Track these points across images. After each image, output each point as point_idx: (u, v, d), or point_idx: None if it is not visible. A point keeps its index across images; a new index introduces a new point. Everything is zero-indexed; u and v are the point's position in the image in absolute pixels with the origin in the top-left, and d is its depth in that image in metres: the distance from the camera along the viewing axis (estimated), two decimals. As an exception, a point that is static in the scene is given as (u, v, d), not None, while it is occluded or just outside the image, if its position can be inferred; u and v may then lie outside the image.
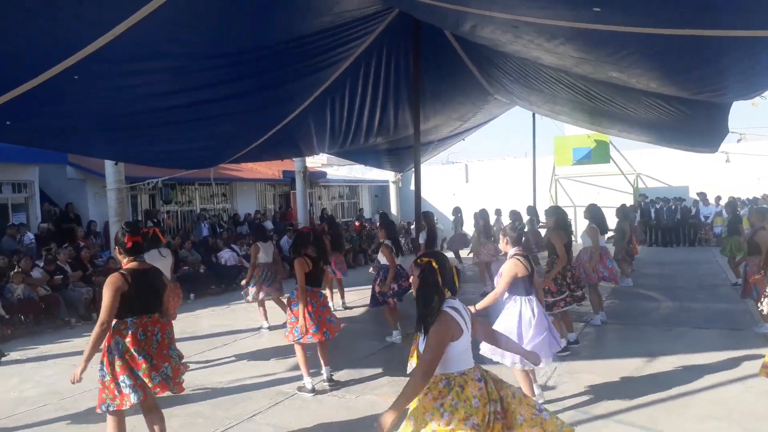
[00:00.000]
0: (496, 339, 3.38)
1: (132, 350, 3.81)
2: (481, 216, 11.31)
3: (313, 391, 5.62)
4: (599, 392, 5.29)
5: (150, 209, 15.74)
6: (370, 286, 7.76)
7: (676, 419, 4.60)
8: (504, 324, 4.77)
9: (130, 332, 3.84)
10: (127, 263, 4.02)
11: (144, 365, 3.81)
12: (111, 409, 3.81)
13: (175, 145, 7.41)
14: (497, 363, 4.54)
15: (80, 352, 7.33)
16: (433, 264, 2.86)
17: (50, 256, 10.54)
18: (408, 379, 2.87)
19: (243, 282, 8.63)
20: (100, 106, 5.48)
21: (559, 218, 6.81)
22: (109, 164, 10.72)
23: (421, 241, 8.64)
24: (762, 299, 5.91)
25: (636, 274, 11.87)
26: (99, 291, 9.92)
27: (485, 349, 4.59)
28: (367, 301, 10.20)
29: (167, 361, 3.95)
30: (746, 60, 4.68)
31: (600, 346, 6.87)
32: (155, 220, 15.03)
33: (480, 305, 4.64)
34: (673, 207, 18.76)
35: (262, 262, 8.48)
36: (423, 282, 2.88)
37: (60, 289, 9.80)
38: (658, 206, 19.07)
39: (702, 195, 18.68)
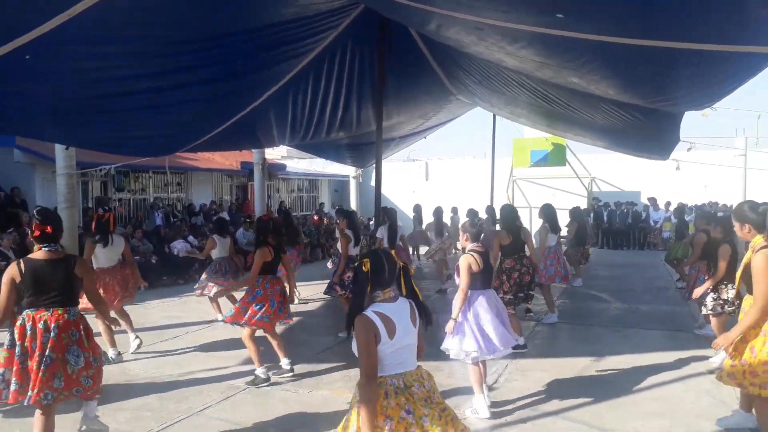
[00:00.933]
0: None
1: (16, 345, 3.65)
2: (434, 213, 11.44)
3: (269, 379, 5.61)
4: (548, 390, 5.41)
5: (101, 196, 15.27)
6: (327, 281, 7.77)
7: (621, 416, 4.74)
8: (464, 318, 4.81)
9: (18, 325, 3.70)
10: (35, 251, 3.82)
11: (15, 367, 3.64)
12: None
13: (129, 131, 7.20)
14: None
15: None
16: (365, 266, 2.73)
17: (-7, 241, 10.10)
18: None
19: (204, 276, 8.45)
20: (52, 89, 5.28)
21: (504, 216, 6.88)
22: (59, 149, 10.31)
23: (380, 236, 8.65)
24: (704, 302, 6.16)
25: (587, 275, 12.18)
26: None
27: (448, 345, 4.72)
28: (323, 296, 10.19)
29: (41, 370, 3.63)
30: (699, 73, 4.85)
31: (550, 345, 7.02)
32: (106, 208, 14.60)
33: (454, 312, 4.70)
34: (625, 211, 19.34)
35: (218, 256, 8.35)
36: (353, 283, 2.82)
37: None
38: (609, 209, 19.63)
39: (652, 200, 19.33)
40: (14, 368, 3.62)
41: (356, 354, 2.69)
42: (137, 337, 6.72)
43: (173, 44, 5.06)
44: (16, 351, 3.65)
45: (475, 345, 4.63)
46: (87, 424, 4.14)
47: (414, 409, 2.65)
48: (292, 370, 5.80)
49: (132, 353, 6.61)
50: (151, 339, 7.26)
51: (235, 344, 7.12)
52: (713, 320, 6.23)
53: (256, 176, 16.46)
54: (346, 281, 7.35)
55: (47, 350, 3.66)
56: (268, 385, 5.59)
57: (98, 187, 15.53)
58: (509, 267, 6.66)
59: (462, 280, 4.75)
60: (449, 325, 4.72)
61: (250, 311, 5.59)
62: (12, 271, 3.66)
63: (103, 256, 6.53)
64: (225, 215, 16.39)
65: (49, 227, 3.79)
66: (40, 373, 3.61)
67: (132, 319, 6.89)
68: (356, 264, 2.84)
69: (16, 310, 3.80)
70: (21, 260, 3.72)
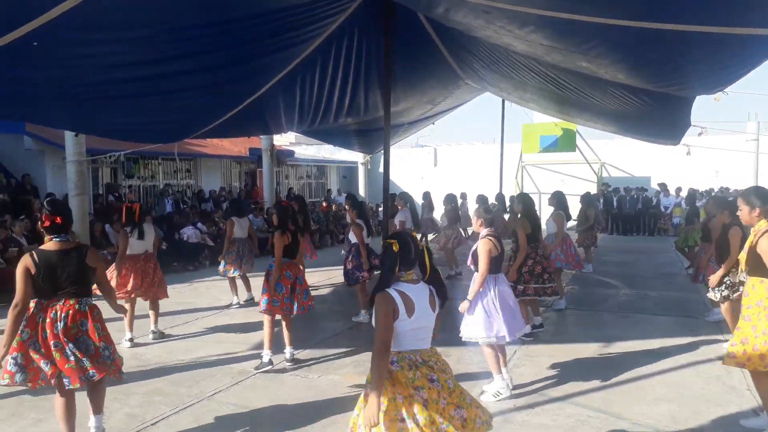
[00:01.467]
0: None
1: (24, 332, 3.70)
2: (448, 201, 11.40)
3: (271, 363, 5.67)
4: (557, 375, 5.42)
5: (111, 183, 15.35)
6: (341, 267, 7.80)
7: (629, 401, 4.75)
8: (479, 302, 4.85)
9: (31, 313, 3.73)
10: (45, 241, 3.84)
11: (23, 352, 3.68)
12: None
13: (138, 118, 7.21)
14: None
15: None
16: (394, 247, 2.85)
17: (4, 227, 10.20)
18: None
19: (220, 258, 8.55)
20: (61, 75, 5.29)
21: (525, 206, 6.86)
22: (69, 136, 10.37)
23: (402, 218, 8.74)
24: (719, 288, 6.11)
25: (596, 261, 12.15)
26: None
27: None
28: (334, 281, 10.24)
29: (55, 357, 3.69)
30: (711, 56, 4.78)
31: (559, 331, 7.02)
32: (116, 194, 14.69)
33: (471, 295, 4.79)
34: (635, 196, 19.21)
35: (237, 237, 8.42)
36: (382, 262, 2.94)
37: (14, 263, 9.50)
38: (619, 195, 19.51)
39: (663, 186, 19.18)
40: (22, 353, 3.68)
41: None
42: (131, 339, 6.64)
43: (179, 30, 5.04)
44: (23, 336, 3.70)
45: (499, 327, 4.72)
46: None
47: (438, 378, 2.84)
48: (293, 359, 5.83)
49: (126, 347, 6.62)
50: (161, 325, 7.32)
51: (246, 329, 7.19)
52: (723, 305, 6.19)
53: (264, 163, 16.49)
54: (348, 269, 7.44)
55: (58, 339, 3.71)
56: (279, 372, 5.63)
57: (108, 174, 15.61)
58: (535, 258, 6.65)
59: (482, 264, 4.81)
60: (464, 305, 4.81)
61: (267, 298, 5.66)
62: (27, 262, 3.68)
63: (134, 245, 6.72)
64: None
65: (59, 218, 3.79)
66: (55, 359, 3.67)
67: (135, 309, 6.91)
68: (384, 243, 2.94)
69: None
70: (33, 252, 3.74)
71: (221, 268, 8.50)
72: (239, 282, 8.66)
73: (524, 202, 6.91)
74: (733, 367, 4.30)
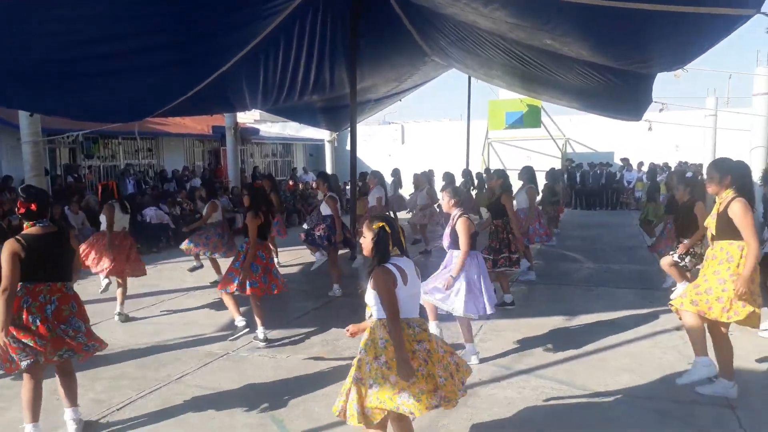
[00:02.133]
0: None
1: (14, 316, 3.67)
2: (426, 178, 11.48)
3: (247, 327, 5.78)
4: (522, 349, 5.54)
5: (70, 164, 14.91)
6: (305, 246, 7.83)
7: (592, 373, 4.89)
8: (461, 278, 5.01)
9: (17, 296, 3.69)
10: (26, 227, 3.83)
11: (15, 333, 3.66)
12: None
13: (96, 97, 7.00)
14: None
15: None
16: (386, 228, 3.16)
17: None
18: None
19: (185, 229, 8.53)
20: (13, 52, 5.08)
21: (505, 180, 7.04)
22: (23, 115, 9.99)
23: (378, 195, 8.79)
24: (684, 255, 6.40)
25: (560, 235, 12.38)
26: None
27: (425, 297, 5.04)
28: (301, 260, 10.23)
29: (49, 339, 3.74)
30: (672, 34, 4.85)
31: (524, 305, 7.15)
32: (75, 175, 14.29)
33: (455, 271, 4.98)
34: (598, 171, 19.57)
35: (217, 220, 8.29)
36: (376, 244, 3.17)
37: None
38: (583, 170, 19.85)
39: (625, 161, 19.58)
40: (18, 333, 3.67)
41: (369, 302, 3.19)
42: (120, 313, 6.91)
43: (137, 5, 4.88)
44: (13, 319, 3.67)
45: (484, 303, 5.00)
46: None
47: (427, 342, 3.20)
48: (266, 339, 5.81)
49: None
50: (127, 308, 7.21)
51: (212, 311, 7.13)
52: (664, 260, 6.56)
53: (228, 141, 16.21)
54: (317, 234, 7.46)
55: (49, 322, 3.75)
56: (248, 351, 5.62)
57: (66, 154, 15.15)
58: (505, 228, 6.84)
59: (464, 242, 4.96)
60: (448, 282, 4.98)
61: (238, 278, 5.64)
62: (14, 246, 3.65)
63: (117, 222, 6.80)
64: (197, 181, 16.20)
65: (33, 204, 3.81)
66: (49, 340, 3.72)
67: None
68: (373, 228, 3.18)
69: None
70: (19, 236, 3.72)
71: (185, 246, 8.36)
72: (206, 263, 8.54)
73: (503, 177, 7.10)
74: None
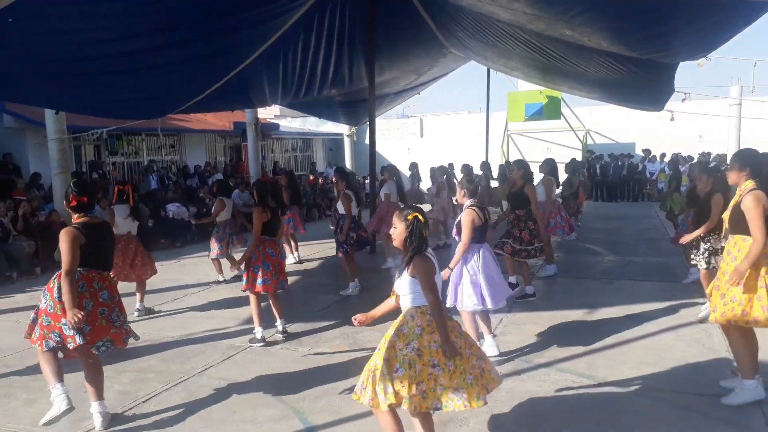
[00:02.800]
0: None
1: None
2: (441, 172, 11.40)
3: (263, 340, 5.69)
4: (542, 342, 5.52)
5: (95, 160, 15.16)
6: (330, 240, 7.81)
7: (612, 366, 4.86)
8: (464, 270, 4.95)
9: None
10: (77, 218, 4.05)
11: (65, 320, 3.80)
12: (50, 346, 3.88)
13: (119, 94, 7.11)
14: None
15: (22, 308, 7.16)
16: (420, 218, 3.26)
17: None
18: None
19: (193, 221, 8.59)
20: (38, 52, 5.19)
21: (526, 171, 6.99)
22: (49, 113, 10.19)
23: (388, 191, 8.74)
24: (692, 251, 6.22)
25: (581, 228, 12.27)
26: (42, 244, 9.65)
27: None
28: (322, 255, 10.28)
29: (101, 324, 3.95)
30: (695, 22, 4.78)
31: (544, 298, 7.12)
32: (100, 172, 14.53)
33: (453, 263, 4.95)
34: (620, 163, 19.33)
35: (224, 219, 8.39)
36: (412, 233, 3.24)
37: (-1, 244, 9.44)
38: (604, 161, 19.62)
39: (647, 152, 19.30)
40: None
41: (401, 291, 3.28)
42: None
43: (154, 3, 4.95)
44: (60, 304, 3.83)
45: (484, 296, 4.86)
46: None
47: (461, 332, 3.33)
48: (285, 331, 5.87)
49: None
50: (150, 302, 7.34)
51: (234, 305, 7.23)
52: (702, 271, 6.29)
53: (249, 137, 16.34)
54: (351, 241, 7.40)
55: (104, 306, 3.98)
56: (269, 345, 5.69)
57: (91, 151, 15.41)
58: (529, 219, 6.84)
59: (464, 234, 4.91)
60: (445, 273, 4.88)
61: (251, 277, 5.66)
62: (77, 234, 3.87)
63: (119, 225, 6.72)
64: (219, 176, 16.36)
65: (85, 197, 4.06)
66: (101, 325, 3.95)
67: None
68: (407, 219, 3.26)
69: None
70: (77, 225, 3.95)
71: (211, 249, 8.49)
72: (224, 261, 8.64)
73: (524, 167, 7.05)
74: (713, 330, 4.41)
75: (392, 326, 3.28)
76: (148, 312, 6.97)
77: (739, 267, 3.93)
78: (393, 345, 3.17)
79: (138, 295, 6.96)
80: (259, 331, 5.70)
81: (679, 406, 4.12)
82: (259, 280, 5.61)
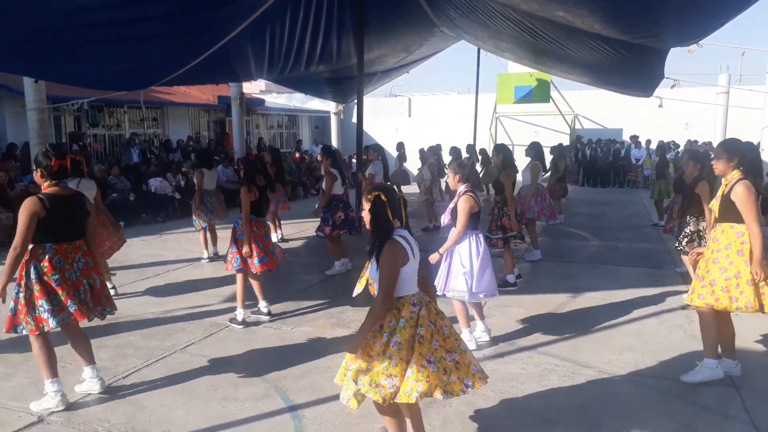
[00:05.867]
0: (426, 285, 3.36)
1: (49, 275, 3.73)
2: (432, 153, 11.28)
3: (244, 323, 5.59)
4: (526, 325, 5.53)
5: (75, 132, 14.86)
6: (314, 219, 7.73)
7: (596, 350, 4.88)
8: (456, 257, 4.86)
9: (47, 257, 3.75)
10: (47, 187, 3.85)
11: (61, 291, 3.73)
12: (24, 332, 3.75)
13: (100, 65, 6.91)
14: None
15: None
16: (382, 197, 2.98)
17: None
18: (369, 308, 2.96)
19: (194, 210, 8.38)
20: (18, 19, 5.00)
21: (505, 156, 6.82)
22: (28, 82, 9.91)
23: (373, 171, 8.63)
24: (681, 239, 6.24)
25: (567, 213, 12.31)
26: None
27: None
28: (307, 234, 10.20)
29: (85, 289, 3.90)
30: (687, 8, 4.73)
31: (529, 282, 7.13)
32: (81, 144, 14.25)
33: (443, 248, 4.81)
34: (606, 149, 19.39)
35: (207, 188, 8.24)
36: (374, 215, 3.00)
37: (-24, 214, 9.23)
38: (591, 147, 19.67)
39: (634, 138, 19.37)
40: (62, 292, 3.73)
41: (375, 278, 2.96)
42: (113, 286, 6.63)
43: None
44: (54, 279, 3.73)
45: (479, 286, 4.74)
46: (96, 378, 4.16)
47: (435, 321, 3.02)
48: (269, 313, 5.80)
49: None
50: (131, 277, 7.24)
51: (217, 282, 7.15)
52: (685, 256, 6.33)
53: (233, 111, 16.10)
54: (338, 221, 7.30)
55: (84, 277, 3.91)
56: (252, 323, 5.63)
57: (71, 122, 15.10)
58: (499, 203, 6.76)
59: (460, 221, 4.76)
60: (433, 257, 4.83)
61: (239, 257, 5.53)
62: (36, 206, 3.67)
63: None
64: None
65: (67, 162, 3.90)
66: (90, 297, 3.92)
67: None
68: (370, 198, 3.01)
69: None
70: (40, 196, 3.75)
71: (194, 219, 8.34)
72: (208, 235, 8.53)
73: (503, 152, 6.86)
74: (695, 317, 4.44)
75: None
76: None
77: (756, 258, 3.92)
78: (373, 340, 2.96)
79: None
80: (240, 313, 5.61)
81: (660, 390, 4.15)
82: (256, 260, 5.49)
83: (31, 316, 3.70)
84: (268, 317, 5.76)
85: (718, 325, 4.20)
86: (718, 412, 3.84)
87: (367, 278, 3.58)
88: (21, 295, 3.72)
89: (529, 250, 8.39)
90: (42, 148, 4.03)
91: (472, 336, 4.91)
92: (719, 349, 4.26)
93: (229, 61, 8.69)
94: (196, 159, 8.86)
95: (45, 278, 3.72)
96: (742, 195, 3.95)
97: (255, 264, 5.51)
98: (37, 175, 3.92)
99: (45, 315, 3.68)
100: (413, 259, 2.99)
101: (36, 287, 3.69)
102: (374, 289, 3.13)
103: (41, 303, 3.68)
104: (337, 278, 7.33)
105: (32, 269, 3.71)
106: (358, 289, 3.92)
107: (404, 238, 2.98)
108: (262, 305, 5.80)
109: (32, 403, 3.89)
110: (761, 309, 3.98)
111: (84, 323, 3.95)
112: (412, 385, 2.83)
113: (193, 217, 8.32)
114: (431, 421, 3.67)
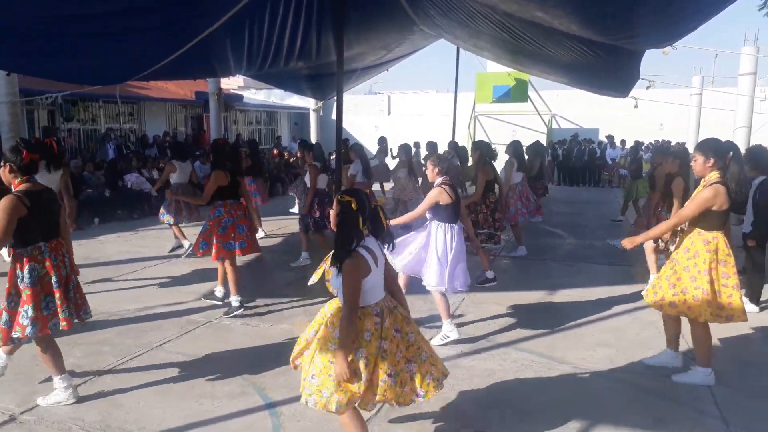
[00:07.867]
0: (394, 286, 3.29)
1: (51, 276, 3.65)
2: (404, 151, 11.29)
3: (241, 306, 5.72)
4: (503, 322, 5.59)
5: (49, 126, 14.58)
6: (292, 216, 7.72)
7: (571, 347, 4.96)
8: (421, 242, 4.94)
9: (46, 257, 3.66)
10: (18, 184, 3.66)
11: (58, 294, 3.66)
12: (23, 342, 3.72)
13: (74, 59, 6.79)
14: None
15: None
16: (353, 205, 2.84)
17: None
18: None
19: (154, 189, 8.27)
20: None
21: (483, 152, 6.92)
22: (0, 74, 9.70)
23: (354, 171, 8.63)
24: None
25: (544, 211, 12.42)
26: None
27: (400, 265, 4.91)
28: (285, 230, 10.17)
29: (74, 285, 3.88)
30: (662, 10, 4.81)
31: (506, 279, 7.20)
32: (55, 139, 13.98)
33: (395, 221, 4.85)
34: (582, 148, 19.64)
35: (178, 182, 8.12)
36: (342, 222, 2.88)
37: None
38: (565, 147, 19.91)
39: (610, 138, 19.66)
40: (59, 295, 3.67)
41: (337, 288, 2.92)
42: None
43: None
44: (54, 281, 3.65)
45: (454, 278, 4.82)
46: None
47: (401, 328, 3.00)
48: (241, 306, 5.77)
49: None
50: (107, 274, 7.14)
51: (194, 279, 7.09)
52: (648, 246, 6.43)
53: (211, 107, 15.93)
54: (326, 215, 7.31)
55: (72, 275, 3.86)
56: (228, 320, 5.60)
57: (45, 117, 14.81)
58: (493, 201, 6.81)
59: (420, 206, 4.89)
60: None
61: (215, 241, 5.55)
62: (16, 205, 3.50)
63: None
64: (180, 147, 15.92)
65: (37, 156, 3.73)
66: (78, 296, 3.90)
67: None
68: (341, 202, 2.89)
69: None
70: (19, 194, 3.56)
71: (161, 217, 8.23)
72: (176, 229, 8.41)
73: (481, 148, 7.00)
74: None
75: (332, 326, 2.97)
76: None
77: (643, 237, 4.29)
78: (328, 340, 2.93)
79: None
80: (235, 300, 5.64)
81: (633, 385, 4.23)
82: (236, 245, 5.53)
83: (9, 324, 3.61)
84: (240, 310, 5.74)
85: (693, 330, 4.20)
86: (691, 406, 3.93)
87: (324, 271, 3.64)
88: (12, 304, 3.62)
89: (515, 247, 8.48)
90: (15, 142, 3.88)
91: (453, 326, 4.97)
92: (714, 380, 4.24)
93: (207, 56, 8.60)
94: (170, 149, 8.74)
95: (45, 280, 3.63)
96: (703, 194, 3.98)
97: (236, 248, 5.60)
98: (5, 172, 3.70)
99: (25, 322, 3.58)
100: (376, 269, 2.91)
101: (26, 292, 3.58)
102: (331, 287, 3.13)
103: (26, 309, 3.58)
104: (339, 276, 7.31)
105: (27, 273, 3.59)
106: (313, 278, 3.96)
107: (367, 249, 2.89)
108: (234, 300, 5.76)
109: (39, 398, 3.87)
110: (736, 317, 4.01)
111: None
112: (369, 397, 2.90)
113: (162, 211, 8.19)
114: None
